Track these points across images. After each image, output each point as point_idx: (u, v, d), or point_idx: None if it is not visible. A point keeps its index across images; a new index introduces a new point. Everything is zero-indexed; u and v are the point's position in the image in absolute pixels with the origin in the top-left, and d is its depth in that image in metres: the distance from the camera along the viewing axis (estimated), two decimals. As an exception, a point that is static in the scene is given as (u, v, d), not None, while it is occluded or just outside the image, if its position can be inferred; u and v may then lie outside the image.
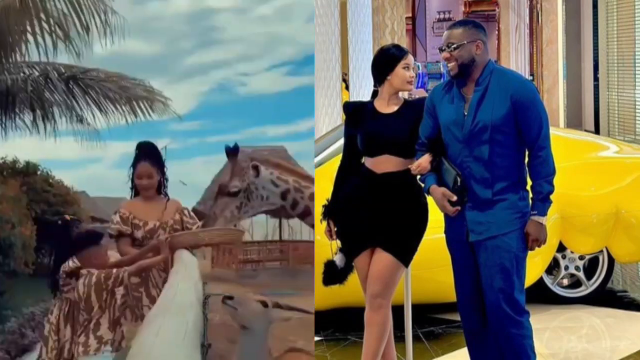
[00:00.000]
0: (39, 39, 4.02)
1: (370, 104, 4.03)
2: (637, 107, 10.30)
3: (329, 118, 9.48)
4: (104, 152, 4.07)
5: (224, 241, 4.07)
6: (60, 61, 4.11)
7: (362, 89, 10.44)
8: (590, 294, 5.82)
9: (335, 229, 4.04)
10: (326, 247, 4.10)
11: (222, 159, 4.02)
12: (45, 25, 4.00)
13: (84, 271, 3.64)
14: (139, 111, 4.15)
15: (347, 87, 10.20)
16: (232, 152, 3.87)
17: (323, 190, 4.15)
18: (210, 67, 4.13)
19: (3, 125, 4.05)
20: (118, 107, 4.16)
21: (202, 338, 3.03)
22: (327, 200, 4.09)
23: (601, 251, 5.80)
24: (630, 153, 6.26)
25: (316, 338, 4.98)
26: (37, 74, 4.09)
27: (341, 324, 5.35)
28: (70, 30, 4.00)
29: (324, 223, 4.07)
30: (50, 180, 4.35)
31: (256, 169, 3.93)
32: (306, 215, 4.08)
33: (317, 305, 4.28)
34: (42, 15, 3.98)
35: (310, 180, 4.04)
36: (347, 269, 4.05)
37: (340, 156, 4.16)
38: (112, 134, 4.14)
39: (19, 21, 3.98)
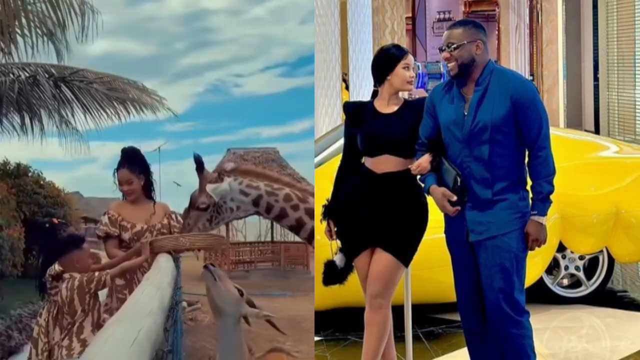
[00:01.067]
0: (24, 39, 4.00)
1: (370, 104, 4.02)
2: (637, 107, 10.28)
3: (329, 118, 9.47)
4: (98, 152, 4.07)
5: (205, 246, 4.06)
6: (50, 62, 4.10)
7: (362, 89, 10.43)
8: (590, 294, 5.81)
9: (335, 229, 4.03)
10: (326, 247, 4.09)
11: (216, 159, 4.02)
12: (28, 25, 3.99)
13: (66, 275, 3.63)
14: (133, 111, 4.14)
15: (347, 87, 10.20)
16: (198, 166, 3.86)
17: (323, 190, 4.15)
18: (205, 68, 4.14)
19: None
20: (108, 108, 4.15)
21: (160, 345, 3.00)
22: (327, 200, 4.08)
23: (601, 251, 5.79)
24: (630, 153, 6.25)
25: (316, 338, 4.97)
26: (26, 75, 4.08)
27: (341, 324, 5.35)
28: (54, 30, 3.99)
29: (324, 223, 4.07)
30: (42, 182, 4.34)
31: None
32: (282, 217, 4.05)
33: (317, 305, 4.27)
34: (23, 16, 3.97)
35: (283, 182, 4.02)
36: (347, 269, 4.04)
37: (340, 156, 4.15)
38: (107, 134, 4.14)
39: (2, 22, 3.96)
